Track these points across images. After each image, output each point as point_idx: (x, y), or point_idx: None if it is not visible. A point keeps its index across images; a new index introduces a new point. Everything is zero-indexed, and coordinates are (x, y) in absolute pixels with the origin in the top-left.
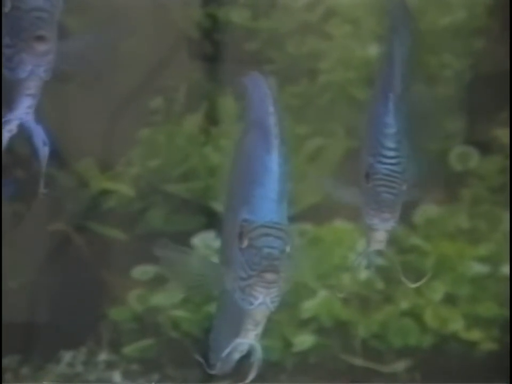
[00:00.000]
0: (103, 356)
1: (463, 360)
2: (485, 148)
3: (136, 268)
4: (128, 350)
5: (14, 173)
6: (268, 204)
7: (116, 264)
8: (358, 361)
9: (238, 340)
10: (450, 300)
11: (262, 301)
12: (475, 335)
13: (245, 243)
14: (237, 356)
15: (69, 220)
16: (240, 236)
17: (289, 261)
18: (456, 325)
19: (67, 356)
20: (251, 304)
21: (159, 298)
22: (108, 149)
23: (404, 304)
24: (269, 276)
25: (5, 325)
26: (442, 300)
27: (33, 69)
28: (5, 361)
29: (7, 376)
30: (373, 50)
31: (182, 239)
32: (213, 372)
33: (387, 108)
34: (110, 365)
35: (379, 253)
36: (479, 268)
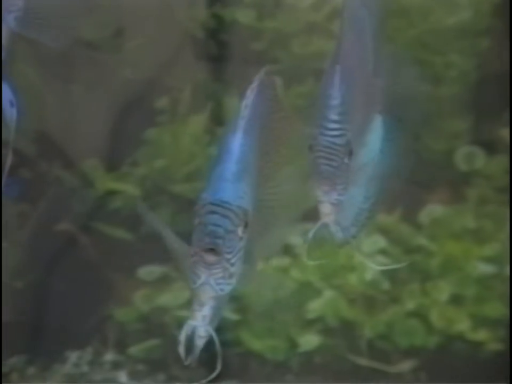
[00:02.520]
0: (109, 356)
1: (469, 361)
2: (490, 147)
3: (142, 268)
4: (134, 350)
5: (19, 173)
6: (221, 182)
7: (122, 264)
8: (364, 362)
9: (188, 321)
10: (456, 300)
11: (205, 280)
12: (481, 335)
13: (196, 220)
14: (182, 338)
15: (75, 220)
16: (194, 214)
17: (240, 244)
18: (462, 325)
19: (73, 356)
20: (194, 283)
21: (165, 299)
22: (114, 149)
23: (410, 305)
24: (209, 254)
25: (11, 325)
26: (448, 300)
27: None
28: (11, 361)
29: (13, 376)
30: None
31: (188, 239)
32: (186, 362)
33: (332, 79)
34: (116, 365)
35: (326, 226)
36: (485, 268)
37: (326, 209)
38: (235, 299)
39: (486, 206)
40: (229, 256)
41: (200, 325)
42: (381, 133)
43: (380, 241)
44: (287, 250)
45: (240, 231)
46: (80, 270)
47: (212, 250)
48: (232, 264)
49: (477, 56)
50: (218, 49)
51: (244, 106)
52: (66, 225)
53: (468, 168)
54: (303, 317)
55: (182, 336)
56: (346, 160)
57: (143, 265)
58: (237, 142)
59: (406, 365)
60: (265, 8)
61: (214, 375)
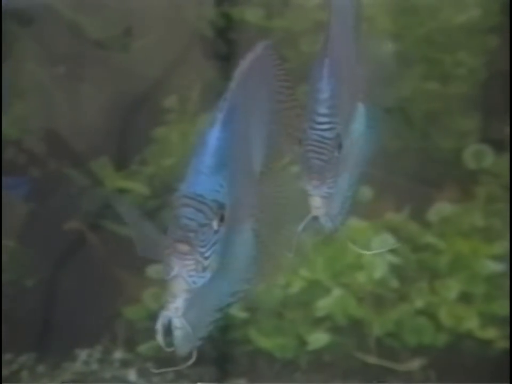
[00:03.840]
0: (118, 354)
1: (478, 359)
2: (499, 146)
3: (151, 267)
4: (143, 348)
5: (29, 172)
6: (196, 175)
7: (131, 262)
8: (373, 360)
9: (162, 312)
10: (465, 298)
11: (177, 273)
12: (490, 333)
13: (171, 213)
14: (159, 327)
15: (84, 219)
16: (170, 206)
17: (215, 237)
18: (471, 323)
19: (82, 354)
20: (168, 274)
21: None
22: (122, 147)
23: (419, 303)
24: (181, 247)
25: (21, 323)
26: (457, 298)
27: None
28: (21, 359)
29: (23, 374)
30: (387, 48)
31: None
32: (167, 349)
33: (321, 73)
34: (125, 363)
35: (317, 219)
36: (494, 266)
37: (316, 203)
38: (244, 297)
39: (494, 204)
40: (202, 249)
41: (173, 316)
42: (364, 120)
43: (389, 240)
44: (296, 248)
45: (215, 224)
46: (89, 268)
47: (185, 243)
48: (206, 258)
49: (486, 54)
50: (227, 48)
51: (223, 99)
52: (76, 224)
53: (476, 166)
54: (311, 315)
55: (159, 326)
56: (336, 154)
57: (152, 264)
58: (213, 135)
59: (414, 363)
60: (274, 7)
61: (189, 363)
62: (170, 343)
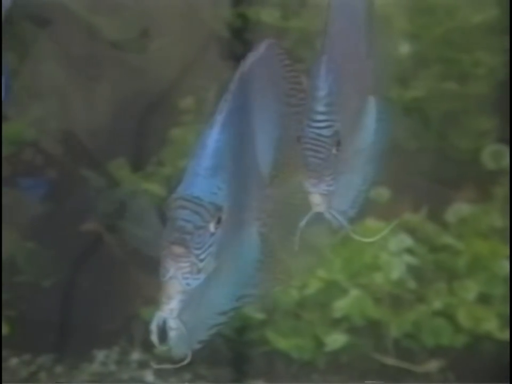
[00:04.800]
0: (135, 355)
1: (496, 360)
2: None
3: None
4: (160, 349)
5: (46, 173)
6: (193, 177)
7: (148, 263)
8: (390, 361)
9: (157, 312)
10: (483, 299)
11: (173, 274)
12: (509, 334)
13: (168, 214)
14: (154, 328)
15: (101, 220)
16: (166, 207)
17: (211, 239)
18: (490, 324)
19: (100, 355)
20: (163, 276)
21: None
22: (139, 149)
23: (437, 304)
24: (176, 249)
25: (39, 324)
26: (475, 300)
27: None
28: (39, 360)
29: (41, 375)
30: (404, 49)
31: None
32: (159, 347)
33: (319, 70)
34: (142, 364)
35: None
36: None
37: (316, 199)
38: (261, 298)
39: None
40: (197, 251)
41: (168, 317)
42: (375, 114)
43: (406, 240)
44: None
45: (211, 226)
46: (106, 269)
47: (180, 245)
48: (201, 260)
49: (504, 54)
50: (243, 48)
51: (223, 100)
52: (93, 225)
53: (495, 167)
54: (329, 316)
55: (153, 326)
56: (334, 151)
57: None
58: (212, 137)
59: (433, 365)
60: (290, 7)
61: (184, 363)
62: (165, 344)
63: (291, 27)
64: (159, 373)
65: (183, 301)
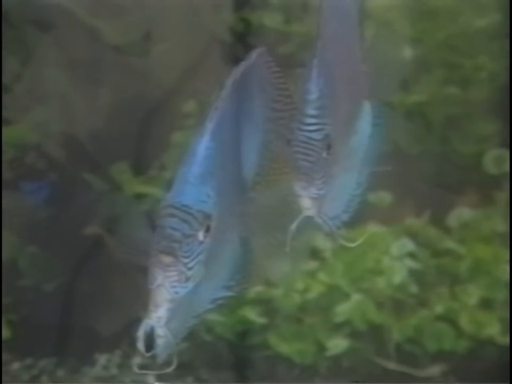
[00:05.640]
0: (137, 359)
1: (498, 365)
2: None
3: None
4: (173, 352)
5: (48, 177)
6: (182, 185)
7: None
8: (392, 365)
9: (145, 320)
10: (485, 304)
11: (160, 282)
12: (509, 338)
13: (157, 222)
14: (141, 335)
15: (103, 224)
16: (156, 215)
17: (200, 247)
18: (492, 329)
19: (102, 358)
20: (151, 284)
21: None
22: (141, 153)
23: (439, 308)
24: (164, 258)
25: (41, 328)
26: (477, 304)
27: None
28: (41, 363)
29: (43, 379)
30: (407, 53)
31: None
32: (146, 354)
33: (310, 73)
34: (144, 368)
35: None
36: None
37: (306, 203)
38: (263, 302)
39: None
40: (186, 260)
41: (155, 325)
42: (370, 118)
43: (408, 244)
44: (315, 254)
45: (200, 235)
46: (108, 273)
47: (168, 253)
48: (190, 268)
49: (506, 58)
50: (246, 53)
51: (213, 108)
52: (95, 229)
53: (497, 171)
54: (331, 321)
55: (140, 333)
56: (324, 155)
57: None
58: (202, 145)
59: (435, 369)
60: (293, 12)
61: (169, 369)
62: (152, 351)
63: (293, 31)
64: (161, 377)
65: (170, 309)
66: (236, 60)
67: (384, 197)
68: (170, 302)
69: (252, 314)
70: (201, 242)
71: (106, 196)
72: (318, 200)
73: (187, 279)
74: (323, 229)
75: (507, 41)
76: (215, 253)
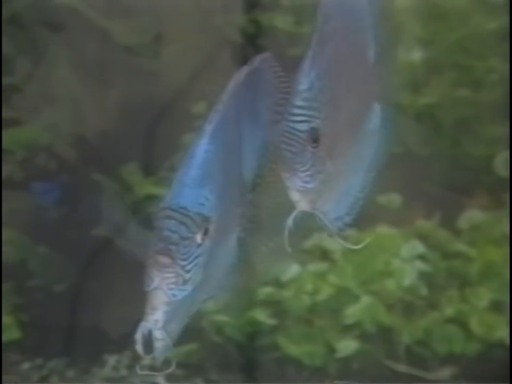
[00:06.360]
0: (146, 360)
1: (509, 368)
2: None
3: None
4: (172, 354)
5: (58, 178)
6: (180, 187)
7: None
8: (402, 368)
9: (142, 323)
10: (496, 306)
11: (157, 285)
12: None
13: (155, 224)
14: (139, 337)
15: (113, 225)
16: (154, 217)
17: (198, 250)
18: (502, 332)
19: (111, 359)
20: (148, 286)
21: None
22: (152, 154)
23: (449, 311)
24: (161, 259)
25: (51, 329)
26: (488, 307)
27: None
28: (51, 364)
29: (53, 379)
30: (417, 54)
31: None
32: (145, 357)
33: (303, 65)
34: (153, 369)
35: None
36: None
37: (294, 196)
38: (272, 304)
39: None
40: (183, 262)
41: (153, 328)
42: (378, 121)
43: (418, 247)
44: (324, 255)
45: (198, 237)
46: (118, 274)
47: (165, 256)
48: (187, 271)
49: None
50: (256, 54)
51: (214, 110)
52: (105, 230)
53: (507, 174)
54: (340, 323)
55: (138, 336)
56: (310, 148)
57: None
58: (201, 147)
59: (445, 372)
60: (303, 13)
61: (169, 370)
62: (151, 353)
63: (304, 33)
64: (170, 378)
65: (168, 312)
66: (246, 62)
67: (394, 199)
68: (167, 304)
69: (262, 316)
70: (199, 245)
71: (116, 196)
72: (307, 194)
73: (185, 282)
74: (325, 230)
75: None
76: (214, 256)
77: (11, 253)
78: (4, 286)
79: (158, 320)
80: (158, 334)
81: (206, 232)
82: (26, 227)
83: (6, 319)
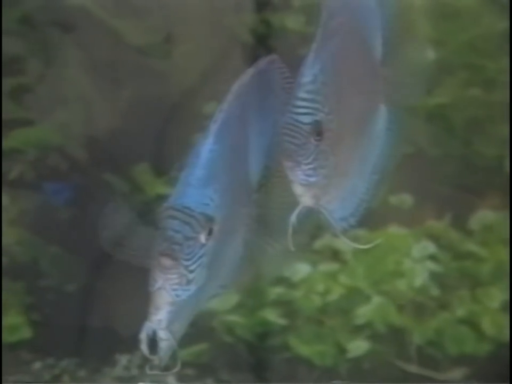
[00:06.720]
0: (158, 360)
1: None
2: None
3: None
4: (183, 354)
5: (70, 178)
6: (185, 187)
7: None
8: (413, 368)
9: (146, 323)
10: (507, 307)
11: (161, 285)
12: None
13: (159, 224)
14: (143, 337)
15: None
16: (158, 217)
17: (202, 250)
18: None
19: (123, 359)
20: (152, 286)
21: (213, 303)
22: (163, 154)
23: (460, 311)
24: (165, 260)
25: (62, 328)
26: (499, 307)
27: None
28: (63, 363)
29: (64, 379)
30: (429, 55)
31: None
32: (150, 357)
33: (307, 58)
34: (164, 369)
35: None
36: None
37: (296, 189)
38: (283, 304)
39: None
40: (187, 262)
41: (156, 328)
42: (385, 123)
43: (430, 247)
44: (335, 256)
45: (202, 237)
46: (129, 274)
47: (169, 256)
48: (191, 271)
49: None
50: (267, 54)
51: (218, 110)
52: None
53: None
54: (351, 323)
55: (143, 336)
56: (313, 141)
57: None
58: (206, 147)
59: (456, 373)
60: (314, 13)
61: (174, 370)
62: (157, 353)
63: (315, 33)
64: (181, 378)
65: (172, 311)
66: (256, 62)
67: (405, 199)
68: (171, 304)
69: (272, 316)
70: (203, 245)
71: (127, 196)
72: (310, 188)
73: (188, 282)
74: (330, 229)
75: None
76: (219, 256)
77: (22, 252)
78: (15, 285)
79: (162, 320)
80: (162, 333)
81: (210, 232)
82: (37, 227)
83: (17, 319)
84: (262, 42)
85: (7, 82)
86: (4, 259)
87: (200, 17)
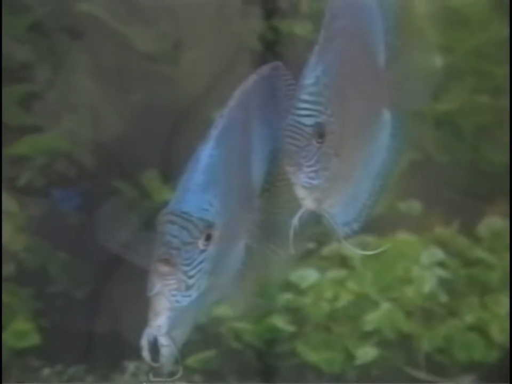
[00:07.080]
0: (166, 366)
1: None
2: None
3: None
4: (191, 360)
5: (78, 184)
6: (184, 192)
7: None
8: (422, 375)
9: (147, 329)
10: None
11: (159, 290)
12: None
13: (158, 229)
14: (144, 344)
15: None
16: (157, 222)
17: (202, 256)
18: None
19: (131, 366)
20: (150, 291)
21: (222, 310)
22: (171, 160)
23: (469, 318)
24: (162, 264)
25: (71, 335)
26: (508, 314)
27: None
28: (71, 370)
29: None
30: (437, 61)
31: None
32: (153, 364)
33: (309, 60)
34: (172, 376)
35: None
36: None
37: (298, 192)
38: (291, 310)
39: None
40: (186, 268)
41: (156, 334)
42: (389, 128)
43: (438, 254)
44: (344, 262)
45: (200, 243)
46: (138, 280)
47: (166, 261)
48: (191, 277)
49: None
50: (275, 61)
51: (219, 115)
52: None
53: None
54: (360, 329)
55: (144, 342)
56: (315, 143)
57: None
58: (206, 152)
59: (465, 380)
60: (322, 19)
61: (176, 377)
62: (158, 360)
63: None
64: None
65: (172, 317)
66: None
67: (414, 206)
68: (170, 310)
69: (280, 322)
70: (202, 251)
71: (136, 203)
72: (312, 191)
73: (188, 288)
74: (333, 234)
75: None
76: (221, 261)
77: (31, 259)
78: (24, 291)
79: (162, 326)
80: (162, 340)
81: (208, 238)
82: (46, 233)
83: (26, 325)
84: (270, 49)
85: (16, 89)
86: (12, 265)
87: (208, 24)
